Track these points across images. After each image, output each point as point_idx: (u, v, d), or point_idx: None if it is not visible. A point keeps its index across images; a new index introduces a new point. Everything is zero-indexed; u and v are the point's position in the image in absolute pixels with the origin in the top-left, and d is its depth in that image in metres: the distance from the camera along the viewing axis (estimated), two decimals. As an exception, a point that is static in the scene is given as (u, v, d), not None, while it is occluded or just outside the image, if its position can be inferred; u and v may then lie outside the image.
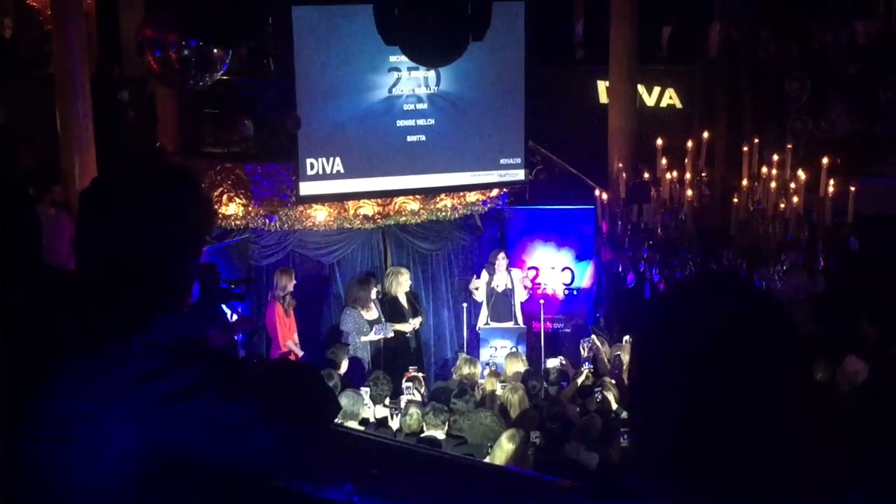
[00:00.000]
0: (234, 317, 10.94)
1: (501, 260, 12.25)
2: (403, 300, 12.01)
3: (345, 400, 8.64)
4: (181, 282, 2.32)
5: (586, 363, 10.56)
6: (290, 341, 11.22)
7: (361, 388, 9.54)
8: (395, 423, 9.16)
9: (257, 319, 11.41)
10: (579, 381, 9.73)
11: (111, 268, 2.21)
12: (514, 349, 11.60)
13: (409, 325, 11.87)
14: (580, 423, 8.49)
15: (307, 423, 2.29)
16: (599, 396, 9.18)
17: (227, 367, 2.23)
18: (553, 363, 10.93)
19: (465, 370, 10.16)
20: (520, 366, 10.54)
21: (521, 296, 12.39)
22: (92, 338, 2.11)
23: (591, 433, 8.33)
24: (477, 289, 12.24)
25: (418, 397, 9.65)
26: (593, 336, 10.78)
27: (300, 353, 11.25)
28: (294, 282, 11.33)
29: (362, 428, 8.71)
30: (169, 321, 2.16)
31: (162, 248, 2.23)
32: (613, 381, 9.69)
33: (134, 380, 2.06)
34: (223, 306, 10.78)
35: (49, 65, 12.44)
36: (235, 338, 10.97)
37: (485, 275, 12.28)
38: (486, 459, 7.69)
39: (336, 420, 8.41)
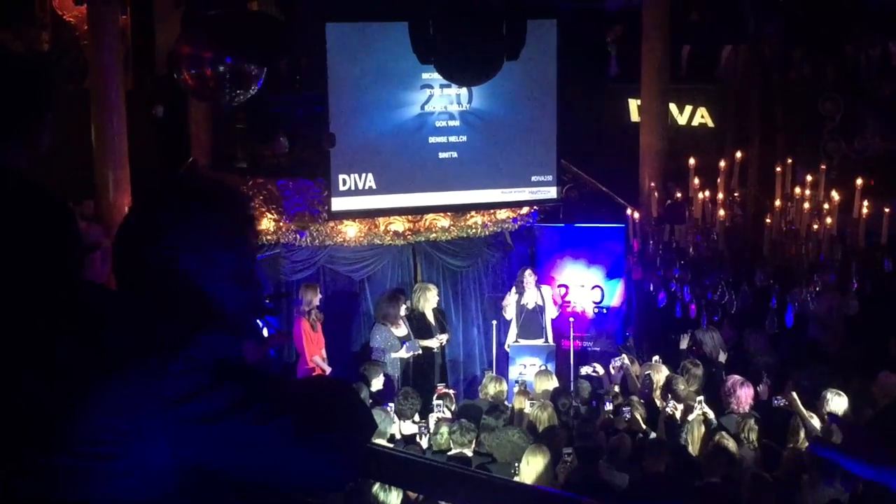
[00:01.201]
0: (266, 331, 10.98)
1: (529, 277, 12.24)
2: (431, 316, 12.02)
3: (375, 419, 8.63)
4: (218, 300, 2.29)
5: (615, 382, 10.54)
6: (317, 357, 11.24)
7: (388, 405, 9.56)
8: (423, 441, 9.16)
9: (287, 333, 11.45)
10: (608, 406, 9.67)
11: (150, 288, 2.22)
12: (543, 367, 11.58)
13: (436, 341, 11.88)
14: (610, 443, 8.46)
15: (345, 442, 2.30)
16: (628, 416, 9.15)
17: (265, 386, 2.23)
18: (586, 370, 10.92)
19: (492, 389, 10.14)
20: (550, 384, 10.51)
21: (551, 312, 12.37)
22: (131, 356, 2.12)
23: (621, 454, 8.30)
24: (507, 305, 12.24)
25: (448, 415, 9.65)
26: (624, 355, 10.74)
27: (327, 369, 11.28)
28: (319, 296, 11.36)
29: (390, 446, 8.72)
30: (208, 340, 2.17)
31: (199, 268, 2.23)
32: (641, 401, 9.66)
33: (172, 399, 2.07)
34: (257, 320, 10.82)
35: (85, 79, 12.55)
36: (269, 352, 11.00)
37: (514, 292, 12.28)
38: (514, 478, 7.67)
39: (371, 436, 8.45)
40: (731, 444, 8.16)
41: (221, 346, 2.20)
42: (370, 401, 9.89)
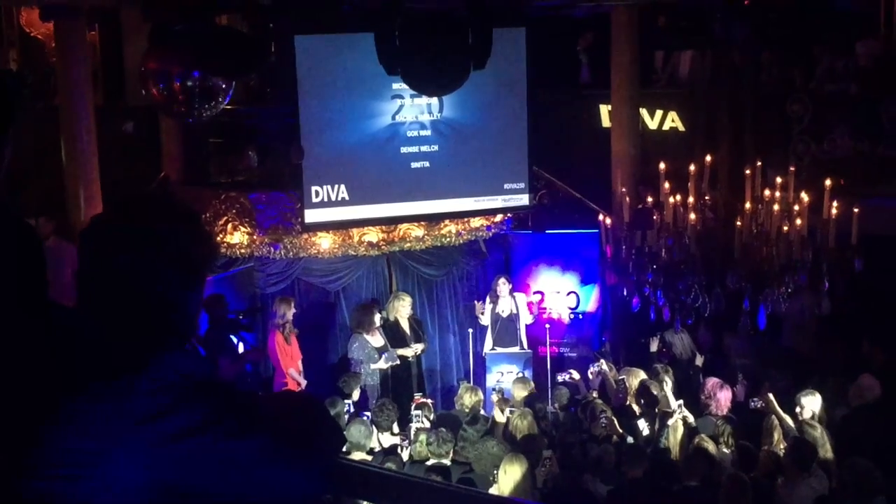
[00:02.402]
0: (242, 347, 10.97)
1: (503, 285, 12.28)
2: (405, 325, 12.03)
3: (353, 431, 8.63)
4: (184, 318, 2.30)
5: (593, 388, 10.57)
6: (292, 369, 11.23)
7: (367, 417, 9.55)
8: (404, 452, 9.15)
9: (263, 348, 11.43)
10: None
11: (114, 306, 2.21)
12: (520, 374, 11.60)
13: (411, 350, 11.87)
14: (593, 454, 8.48)
15: (316, 457, 2.30)
16: (605, 422, 9.17)
17: (232, 404, 2.23)
18: (563, 376, 10.94)
19: (468, 399, 10.12)
20: (527, 391, 10.53)
21: (526, 319, 12.40)
22: (99, 376, 2.11)
23: (605, 464, 8.33)
24: (482, 314, 12.26)
25: (427, 424, 9.64)
26: (602, 361, 10.77)
27: (303, 382, 11.26)
28: (293, 310, 11.35)
29: (369, 458, 8.70)
30: (175, 358, 2.17)
31: (165, 287, 2.23)
32: (612, 407, 9.68)
33: (141, 418, 2.06)
34: (231, 336, 10.82)
35: (54, 96, 12.51)
36: (244, 367, 11.00)
37: (489, 300, 12.30)
38: (493, 488, 7.68)
39: (342, 451, 8.42)
40: (710, 447, 8.21)
41: (190, 364, 2.20)
42: (349, 413, 9.88)
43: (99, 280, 2.22)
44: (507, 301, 12.25)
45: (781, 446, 8.36)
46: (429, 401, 10.73)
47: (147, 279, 2.20)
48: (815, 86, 13.32)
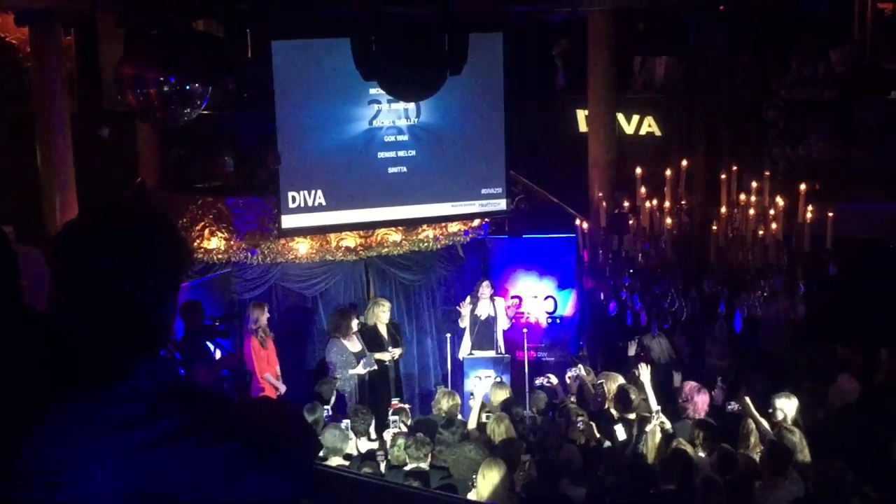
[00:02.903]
0: (219, 353, 10.93)
1: (486, 289, 12.31)
2: (383, 330, 12.03)
3: (328, 436, 8.63)
4: (159, 325, 2.32)
5: (571, 393, 10.59)
6: (268, 374, 11.20)
7: (343, 422, 9.53)
8: (381, 458, 9.14)
9: (240, 354, 11.39)
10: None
11: (88, 311, 2.21)
12: (498, 378, 11.61)
13: (388, 355, 11.86)
14: (561, 456, 8.49)
15: (292, 463, 2.30)
16: (582, 425, 9.19)
17: (208, 411, 2.23)
18: (540, 381, 10.95)
19: (445, 404, 10.12)
20: (505, 395, 10.54)
21: (503, 324, 12.42)
22: (74, 383, 2.11)
23: (573, 465, 8.35)
24: (463, 316, 12.28)
25: (405, 429, 9.64)
26: (580, 365, 10.79)
27: (281, 387, 11.24)
28: (267, 315, 11.33)
29: (346, 464, 8.70)
30: (150, 365, 2.17)
31: (138, 293, 2.23)
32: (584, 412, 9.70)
33: (116, 426, 2.06)
34: (208, 343, 10.77)
35: (29, 101, 12.43)
36: (221, 373, 10.95)
37: (468, 302, 12.31)
38: (472, 493, 7.69)
39: (319, 457, 8.41)
40: (688, 450, 8.24)
41: (166, 371, 2.20)
42: (327, 418, 9.86)
43: (73, 284, 2.23)
44: (486, 304, 12.28)
45: (758, 450, 8.40)
46: (406, 406, 10.74)
47: (121, 284, 2.21)
48: (787, 91, 13.39)
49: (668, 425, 8.99)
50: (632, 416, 9.36)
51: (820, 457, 8.07)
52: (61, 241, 2.28)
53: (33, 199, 11.53)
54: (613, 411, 9.73)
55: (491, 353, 12.25)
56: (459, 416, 10.04)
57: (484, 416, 9.79)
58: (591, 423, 9.29)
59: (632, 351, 11.22)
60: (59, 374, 2.13)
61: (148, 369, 2.15)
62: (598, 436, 9.16)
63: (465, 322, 12.29)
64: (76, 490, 2.06)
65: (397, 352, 11.97)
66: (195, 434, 2.12)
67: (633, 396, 9.48)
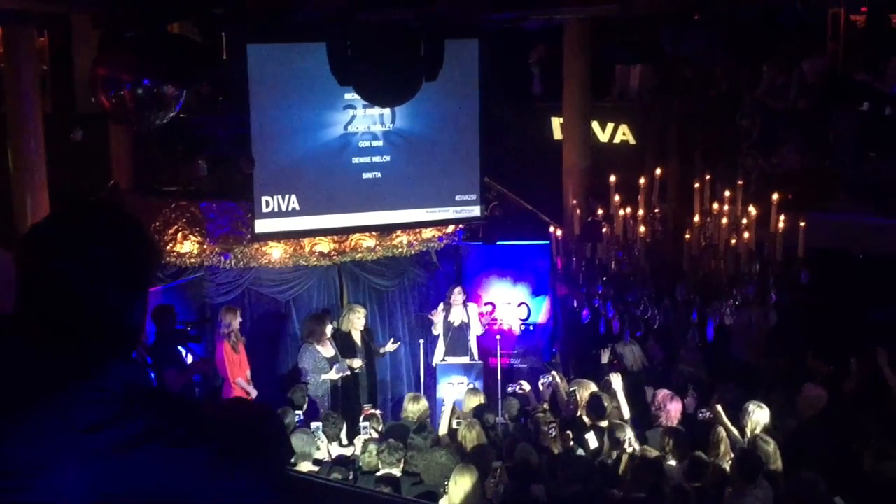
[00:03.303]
0: (190, 358, 10.89)
1: (458, 295, 12.31)
2: (357, 337, 12.00)
3: (296, 441, 8.61)
4: (128, 327, 2.29)
5: (543, 400, 10.61)
6: (240, 379, 11.16)
7: (313, 427, 9.51)
8: (353, 463, 9.13)
9: (212, 359, 11.35)
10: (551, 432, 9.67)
11: (55, 313, 2.19)
12: (471, 385, 11.62)
13: (358, 361, 11.82)
14: (536, 463, 8.50)
15: (262, 468, 2.29)
16: (553, 432, 9.20)
17: (178, 413, 2.21)
18: (512, 388, 10.96)
19: (411, 408, 10.11)
20: (478, 402, 10.54)
21: (476, 330, 12.43)
22: (42, 384, 2.08)
23: (531, 467, 8.36)
24: (436, 322, 12.28)
25: (375, 435, 9.63)
26: (553, 372, 10.81)
27: (252, 392, 11.20)
28: (240, 319, 11.30)
29: (316, 469, 8.68)
30: (120, 368, 2.15)
31: (106, 294, 2.21)
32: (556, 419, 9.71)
33: (85, 428, 2.04)
34: (179, 348, 10.73)
35: (1, 103, 12.36)
36: (192, 378, 10.92)
37: (441, 309, 12.32)
38: (444, 499, 7.68)
39: (290, 462, 8.39)
40: (654, 455, 8.27)
41: (135, 374, 2.18)
42: (299, 423, 9.84)
43: (38, 286, 2.20)
44: (459, 311, 12.28)
45: (728, 458, 8.43)
46: (377, 412, 10.72)
47: (88, 286, 2.19)
48: (759, 98, 13.47)
49: (638, 450, 8.92)
50: (604, 423, 9.38)
51: (791, 466, 8.12)
52: (27, 241, 2.26)
53: (4, 201, 11.46)
54: (586, 419, 9.75)
55: (464, 360, 12.25)
56: (429, 420, 10.04)
57: (455, 422, 9.78)
58: (565, 430, 9.29)
59: (605, 358, 11.25)
60: (26, 376, 2.12)
61: (117, 372, 2.13)
62: (570, 445, 9.16)
63: (438, 329, 12.29)
64: (43, 493, 2.04)
65: (357, 362, 11.85)
66: (164, 437, 2.09)
67: (605, 404, 9.50)
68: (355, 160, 11.40)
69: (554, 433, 9.13)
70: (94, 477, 2.05)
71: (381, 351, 12.29)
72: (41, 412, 2.06)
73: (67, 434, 2.04)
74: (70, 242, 2.21)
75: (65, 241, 2.22)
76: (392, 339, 12.49)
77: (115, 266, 2.22)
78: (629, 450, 8.76)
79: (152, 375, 10.29)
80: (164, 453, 2.09)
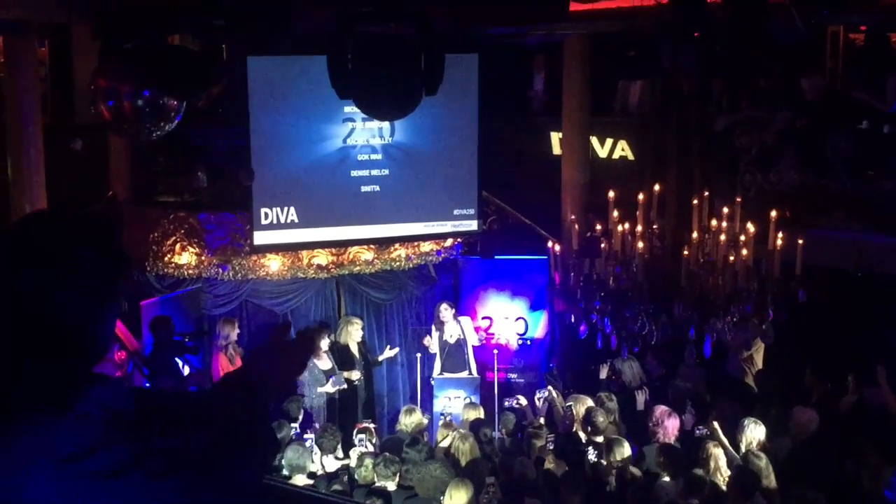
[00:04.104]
0: (187, 369, 10.87)
1: (445, 311, 12.29)
2: (354, 349, 11.99)
3: (291, 453, 8.59)
4: (93, 342, 2.21)
5: (539, 415, 10.58)
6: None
7: (308, 440, 9.49)
8: (347, 476, 9.10)
9: (208, 371, 11.34)
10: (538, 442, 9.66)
11: (21, 330, 2.11)
12: (467, 399, 11.60)
13: (357, 374, 11.81)
14: (530, 477, 8.48)
15: (242, 488, 2.27)
16: (551, 445, 9.18)
17: (157, 439, 2.14)
18: (509, 403, 10.93)
19: (406, 421, 10.09)
20: (476, 416, 10.53)
21: (472, 341, 12.40)
22: (22, 411, 2.05)
23: (528, 480, 8.34)
24: (430, 344, 12.28)
25: (370, 448, 9.61)
26: (550, 387, 10.79)
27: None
28: (237, 331, 11.30)
29: (311, 482, 8.65)
30: (98, 391, 2.11)
31: (70, 304, 2.13)
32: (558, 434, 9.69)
33: (64, 455, 2.01)
34: (176, 359, 10.72)
35: (1, 113, 12.36)
36: (189, 390, 10.89)
37: (434, 329, 12.32)
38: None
39: (284, 475, 8.36)
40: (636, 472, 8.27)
41: (113, 397, 2.15)
42: (295, 435, 9.81)
43: (3, 303, 2.12)
44: (452, 326, 12.26)
45: (720, 473, 8.41)
46: (372, 426, 10.70)
47: (50, 300, 2.12)
48: (762, 118, 13.46)
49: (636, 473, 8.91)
50: (599, 438, 9.36)
51: (789, 484, 8.09)
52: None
53: (3, 211, 11.45)
54: (581, 434, 9.73)
55: (462, 375, 12.23)
56: (425, 433, 10.02)
57: (450, 435, 9.76)
58: (561, 445, 9.27)
59: (603, 374, 11.24)
60: (5, 401, 2.08)
61: (96, 396, 2.10)
62: (564, 458, 9.14)
63: (434, 348, 12.29)
64: None
65: (355, 375, 11.84)
66: (144, 464, 2.07)
67: (601, 419, 9.48)
68: (354, 173, 11.41)
69: (550, 447, 9.11)
70: (72, 502, 2.03)
71: (380, 358, 12.30)
72: (23, 439, 2.03)
73: (48, 461, 2.01)
74: (18, 257, 2.13)
75: (13, 257, 2.13)
76: (389, 346, 12.48)
77: (70, 280, 2.14)
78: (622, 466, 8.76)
79: (147, 385, 10.29)
80: (143, 481, 2.07)
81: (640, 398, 10.64)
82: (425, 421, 10.49)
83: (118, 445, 2.06)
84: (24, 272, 2.11)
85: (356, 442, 9.77)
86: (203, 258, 11.42)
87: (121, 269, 2.28)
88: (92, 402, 2.08)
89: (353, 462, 9.30)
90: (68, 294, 2.13)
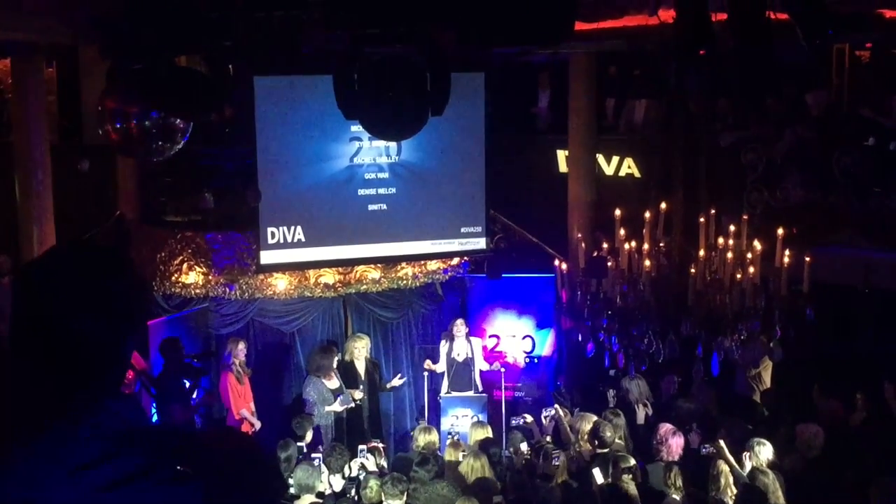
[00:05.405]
0: (195, 393, 10.89)
1: (460, 327, 12.28)
2: (361, 368, 11.98)
3: (300, 473, 8.58)
4: (116, 363, 2.28)
5: (546, 433, 10.56)
6: (244, 410, 11.15)
7: (316, 459, 9.48)
8: (354, 496, 9.09)
9: (216, 391, 11.35)
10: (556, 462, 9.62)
11: (44, 351, 2.18)
12: (475, 417, 11.58)
13: (359, 393, 11.78)
14: (540, 496, 8.46)
15: None
16: (559, 461, 9.16)
17: (167, 452, 2.20)
18: (516, 421, 10.91)
19: (422, 440, 10.07)
20: (484, 435, 10.50)
21: (480, 364, 12.40)
22: (37, 423, 2.09)
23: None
24: (429, 369, 12.28)
25: (376, 468, 9.60)
26: (557, 405, 10.77)
27: (256, 423, 11.19)
28: (245, 350, 11.29)
29: (319, 501, 8.64)
30: (110, 405, 2.15)
31: (93, 331, 2.20)
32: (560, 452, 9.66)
33: (75, 466, 2.04)
34: (185, 380, 10.73)
35: (9, 133, 12.42)
36: (198, 411, 10.92)
37: (444, 344, 12.30)
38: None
39: (289, 494, 8.35)
40: (631, 487, 8.24)
41: (126, 411, 2.18)
42: (303, 455, 9.81)
43: (28, 325, 2.20)
44: (462, 344, 12.25)
45: (729, 492, 8.39)
46: (379, 445, 10.68)
47: (74, 324, 2.18)
48: (768, 136, 13.48)
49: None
50: (605, 450, 9.32)
51: (798, 502, 8.06)
52: (20, 279, 2.26)
53: (11, 231, 11.49)
54: (586, 452, 9.70)
55: (469, 393, 12.22)
56: (438, 452, 9.99)
57: (460, 454, 9.74)
58: (568, 463, 9.24)
59: (611, 393, 11.21)
60: (20, 413, 2.12)
61: (109, 409, 2.14)
62: (569, 478, 9.11)
63: (441, 367, 12.28)
64: None
65: (358, 394, 11.82)
66: (153, 476, 2.09)
67: (608, 433, 9.45)
68: (361, 192, 11.41)
69: (558, 463, 9.08)
70: None
71: (388, 386, 12.29)
72: (38, 450, 2.06)
73: (61, 471, 2.04)
74: (62, 279, 2.21)
75: (56, 279, 2.21)
76: (399, 375, 12.49)
77: (100, 305, 2.21)
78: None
79: (154, 406, 10.29)
80: (153, 492, 2.09)
81: (641, 413, 10.61)
82: (438, 441, 10.47)
83: (129, 456, 2.09)
84: (54, 301, 2.18)
85: (363, 462, 9.74)
86: (210, 277, 11.43)
87: (142, 298, 2.35)
88: (104, 415, 2.12)
89: (354, 472, 9.31)
90: (94, 321, 2.19)
